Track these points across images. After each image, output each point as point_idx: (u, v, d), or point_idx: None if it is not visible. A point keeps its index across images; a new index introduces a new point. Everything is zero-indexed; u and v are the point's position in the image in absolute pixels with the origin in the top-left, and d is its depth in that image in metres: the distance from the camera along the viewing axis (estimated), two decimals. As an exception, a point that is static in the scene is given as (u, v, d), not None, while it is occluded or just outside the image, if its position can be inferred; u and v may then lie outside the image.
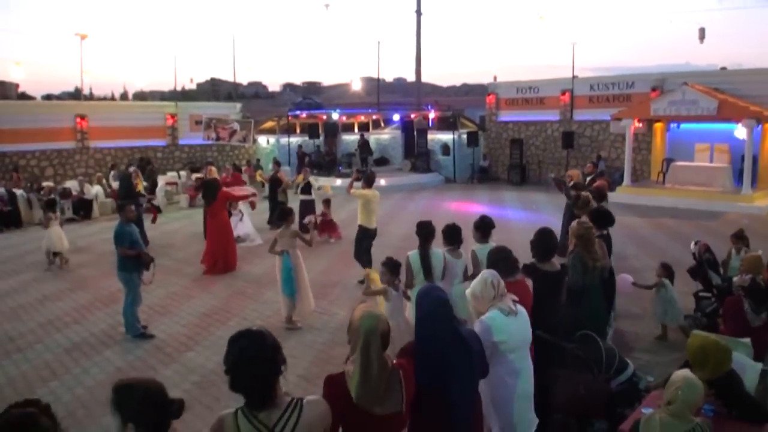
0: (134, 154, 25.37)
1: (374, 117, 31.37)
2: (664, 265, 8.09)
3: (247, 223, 14.91)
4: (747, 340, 5.44)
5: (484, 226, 6.78)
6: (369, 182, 10.92)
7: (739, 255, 7.98)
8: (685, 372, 3.81)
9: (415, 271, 6.42)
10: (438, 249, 6.62)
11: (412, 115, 28.67)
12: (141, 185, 16.27)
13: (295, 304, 8.61)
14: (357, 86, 43.28)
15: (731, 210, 17.59)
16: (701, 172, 19.60)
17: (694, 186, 19.31)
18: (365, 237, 10.72)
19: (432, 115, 27.74)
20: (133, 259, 8.36)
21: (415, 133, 28.07)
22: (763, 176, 19.67)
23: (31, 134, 22.39)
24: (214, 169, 16.81)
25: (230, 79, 51.10)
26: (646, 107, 19.82)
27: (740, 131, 18.41)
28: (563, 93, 25.33)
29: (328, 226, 15.03)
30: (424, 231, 6.60)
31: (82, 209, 19.52)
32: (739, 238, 8.37)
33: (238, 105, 30.14)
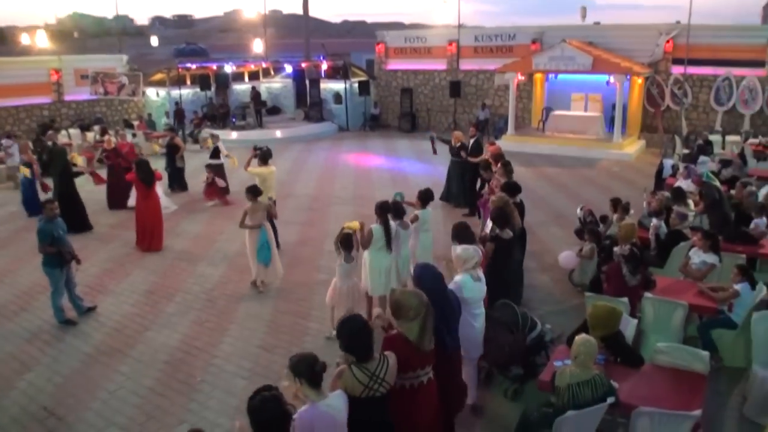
0: (19, 114, 24.50)
1: (264, 66, 31.39)
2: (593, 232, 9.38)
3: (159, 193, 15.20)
4: (625, 299, 6.90)
5: (426, 197, 9.00)
6: (265, 159, 11.75)
7: (618, 219, 9.47)
8: (583, 335, 5.12)
9: (376, 239, 7.94)
10: (392, 222, 8.16)
11: (303, 65, 29.04)
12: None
13: (267, 271, 9.67)
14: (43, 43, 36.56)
15: (604, 157, 19.68)
16: (577, 121, 21.59)
17: (570, 134, 21.28)
18: None
19: (324, 66, 28.22)
20: (56, 255, 8.68)
21: (307, 82, 28.53)
22: (630, 123, 21.92)
23: None
24: (111, 138, 16.75)
25: (94, 13, 48.53)
26: (528, 62, 21.41)
27: (610, 83, 20.36)
28: (450, 43, 26.55)
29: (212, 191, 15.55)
30: (383, 208, 8.13)
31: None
32: (618, 205, 9.82)
33: (125, 57, 29.26)
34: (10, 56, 31.98)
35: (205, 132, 25.10)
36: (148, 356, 7.79)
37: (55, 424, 6.43)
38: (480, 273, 6.07)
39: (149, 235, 12.06)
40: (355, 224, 8.12)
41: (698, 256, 7.82)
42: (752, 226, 9.35)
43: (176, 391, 6.94)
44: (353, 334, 4.39)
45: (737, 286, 6.95)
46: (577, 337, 4.99)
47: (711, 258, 7.73)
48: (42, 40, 32.01)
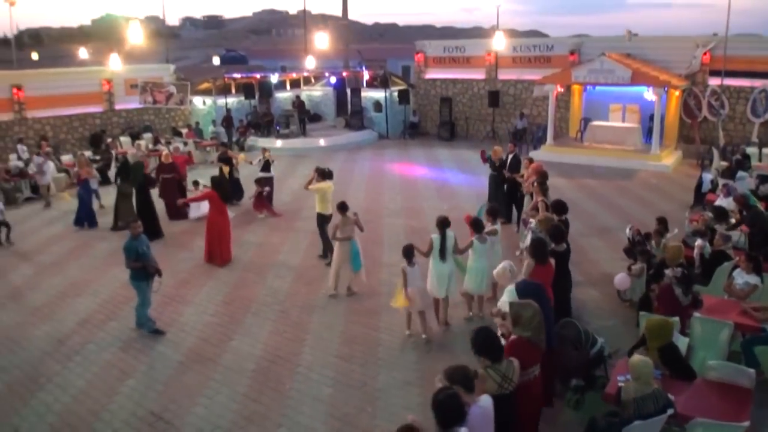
0: (72, 122, 25.57)
1: (305, 75, 32.31)
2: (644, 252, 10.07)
3: (204, 205, 15.96)
4: (676, 318, 7.57)
5: (494, 213, 10.19)
6: (326, 176, 12.59)
7: (661, 238, 10.10)
8: (640, 356, 5.84)
9: (435, 248, 9.10)
10: (450, 232, 9.27)
11: (344, 74, 29.91)
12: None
13: (354, 277, 10.91)
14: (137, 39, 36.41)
15: (642, 168, 20.23)
16: (615, 132, 22.14)
17: (608, 144, 21.84)
18: (324, 221, 12.54)
19: (366, 76, 29.06)
20: (141, 269, 9.53)
21: (348, 91, 29.39)
22: (668, 134, 22.43)
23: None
24: (166, 151, 17.71)
25: (126, 14, 49.64)
26: (568, 74, 22.02)
27: (649, 94, 20.89)
28: (488, 53, 27.21)
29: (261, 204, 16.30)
30: (442, 223, 9.26)
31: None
32: (660, 224, 10.43)
33: (172, 66, 30.35)
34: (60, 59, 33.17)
35: (251, 140, 26.21)
36: (236, 365, 8.62)
37: (165, 427, 7.24)
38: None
39: (219, 249, 12.86)
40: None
41: (742, 277, 8.47)
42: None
43: (269, 397, 7.76)
44: (486, 340, 5.44)
45: (779, 306, 7.58)
46: (634, 358, 5.72)
47: (754, 279, 8.37)
48: (136, 35, 32.60)
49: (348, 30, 35.86)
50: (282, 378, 8.20)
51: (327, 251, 12.47)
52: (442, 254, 9.15)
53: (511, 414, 5.43)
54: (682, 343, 7.09)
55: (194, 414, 7.48)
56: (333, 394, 7.75)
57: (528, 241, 9.33)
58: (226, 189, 13.40)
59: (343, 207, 10.80)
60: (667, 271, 8.16)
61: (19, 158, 21.28)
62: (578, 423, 6.68)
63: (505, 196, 14.68)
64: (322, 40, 36.11)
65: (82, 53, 52.43)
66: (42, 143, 21.42)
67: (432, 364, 8.38)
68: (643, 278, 9.44)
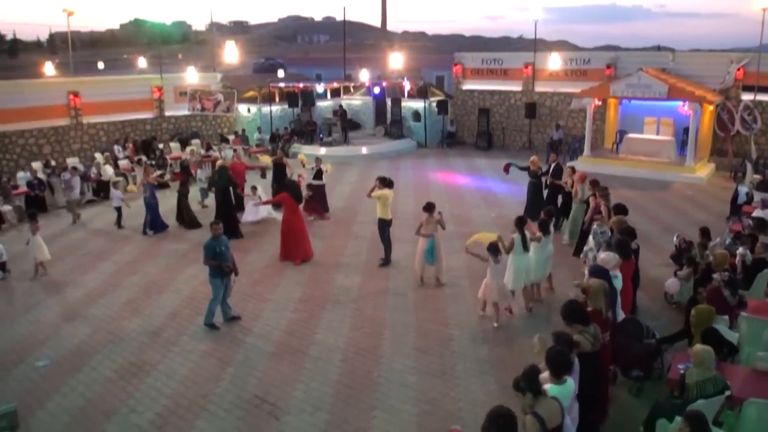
0: (125, 128, 26.78)
1: (346, 83, 33.45)
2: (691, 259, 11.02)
3: (262, 207, 17.09)
4: (725, 316, 8.51)
5: (545, 226, 11.34)
6: (387, 185, 13.60)
7: (705, 250, 11.03)
8: (701, 345, 6.77)
9: (516, 246, 10.56)
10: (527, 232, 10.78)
11: (384, 83, 30.99)
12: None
13: (431, 269, 12.36)
14: (232, 56, 37.96)
15: (677, 180, 21.06)
16: (650, 144, 22.99)
17: (643, 156, 22.67)
18: (385, 226, 13.57)
19: (407, 87, 30.12)
20: (217, 268, 10.52)
21: (388, 101, 30.46)
22: (701, 147, 23.24)
23: (27, 113, 23.46)
24: (221, 161, 18.78)
25: (153, 18, 51.40)
26: (606, 88, 22.92)
27: (683, 108, 21.73)
28: (526, 66, 28.17)
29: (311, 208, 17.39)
30: (520, 223, 10.81)
31: (101, 190, 21.05)
32: (704, 235, 11.38)
33: (219, 75, 31.58)
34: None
35: (295, 147, 27.30)
36: (324, 355, 9.63)
37: (270, 408, 8.23)
38: (618, 272, 8.39)
39: (297, 247, 13.97)
40: (494, 236, 10.64)
41: (782, 282, 9.38)
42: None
43: (359, 384, 8.76)
44: (576, 310, 6.70)
45: (817, 309, 8.50)
46: (697, 347, 6.67)
47: (793, 283, 9.27)
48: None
49: (387, 42, 36.86)
50: (368, 367, 9.20)
51: (389, 256, 13.53)
52: (526, 248, 10.67)
53: (598, 367, 6.81)
54: (732, 337, 8.05)
55: (295, 397, 8.46)
56: (417, 381, 8.76)
57: (592, 243, 11.01)
58: (297, 190, 14.44)
59: (429, 207, 12.13)
60: (715, 275, 9.09)
61: (115, 158, 23.51)
62: (640, 407, 7.64)
63: (545, 202, 15.79)
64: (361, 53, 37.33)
65: (141, 62, 54.24)
66: (128, 145, 23.92)
67: (500, 356, 9.41)
68: (689, 282, 10.35)
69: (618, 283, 8.23)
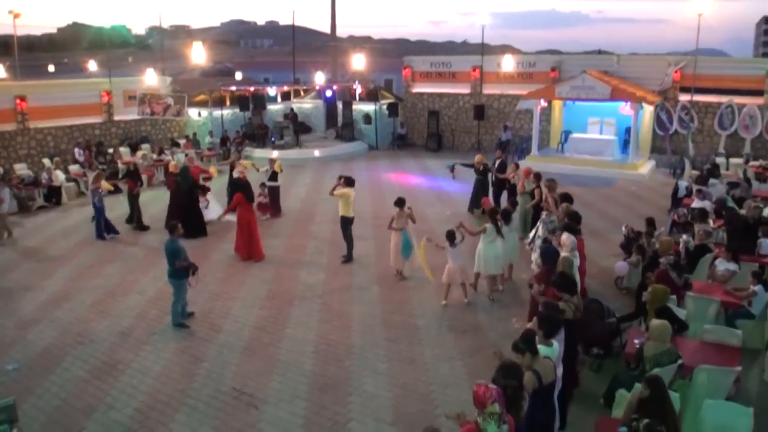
0: (73, 133, 26.32)
1: (296, 87, 33.68)
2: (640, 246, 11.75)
3: (213, 207, 17.22)
4: (673, 296, 9.18)
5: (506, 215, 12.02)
6: (350, 183, 13.98)
7: (651, 238, 11.77)
8: (659, 320, 7.35)
9: (489, 233, 11.43)
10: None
11: (334, 87, 31.35)
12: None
13: (406, 263, 12.77)
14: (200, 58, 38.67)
15: (621, 177, 22.05)
16: (594, 143, 23.98)
17: (588, 155, 23.61)
18: (347, 223, 13.94)
19: (359, 89, 30.55)
20: (185, 268, 10.71)
21: (339, 104, 30.82)
22: (642, 146, 24.42)
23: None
24: (174, 162, 18.86)
25: (93, 23, 50.71)
26: (551, 90, 23.81)
27: (625, 109, 22.78)
28: (474, 69, 28.94)
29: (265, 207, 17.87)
30: (492, 213, 11.79)
31: (53, 196, 20.69)
32: (650, 224, 12.14)
33: (168, 78, 31.39)
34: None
35: (247, 150, 27.39)
36: (296, 348, 9.91)
37: (249, 399, 8.47)
38: (576, 253, 9.30)
39: (250, 246, 14.29)
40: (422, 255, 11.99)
41: (723, 265, 10.16)
42: (759, 244, 11.63)
43: (334, 372, 9.09)
44: (565, 280, 7.58)
45: (755, 287, 9.25)
46: (654, 322, 7.26)
47: (733, 266, 10.07)
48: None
49: (335, 47, 37.26)
50: (340, 357, 9.55)
51: (351, 252, 13.91)
52: (500, 234, 11.47)
53: (576, 334, 7.54)
54: (681, 314, 8.72)
55: (272, 388, 8.72)
56: (389, 368, 9.16)
57: (541, 230, 11.84)
58: (249, 190, 14.78)
59: (399, 202, 12.66)
60: (662, 259, 9.78)
61: (76, 161, 23.35)
62: (600, 382, 8.23)
63: (493, 196, 17.00)
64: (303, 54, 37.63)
65: (92, 65, 53.07)
66: (86, 151, 23.46)
67: (466, 343, 9.90)
68: (638, 269, 11.04)
69: (576, 263, 8.93)
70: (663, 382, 6.01)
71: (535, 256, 11.76)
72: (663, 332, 7.03)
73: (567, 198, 12.34)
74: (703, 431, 6.23)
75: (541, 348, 6.11)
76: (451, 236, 11.15)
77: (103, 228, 16.37)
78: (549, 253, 8.91)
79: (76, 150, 24.42)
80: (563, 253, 9.03)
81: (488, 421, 4.83)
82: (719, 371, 6.98)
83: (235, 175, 16.65)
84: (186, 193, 16.20)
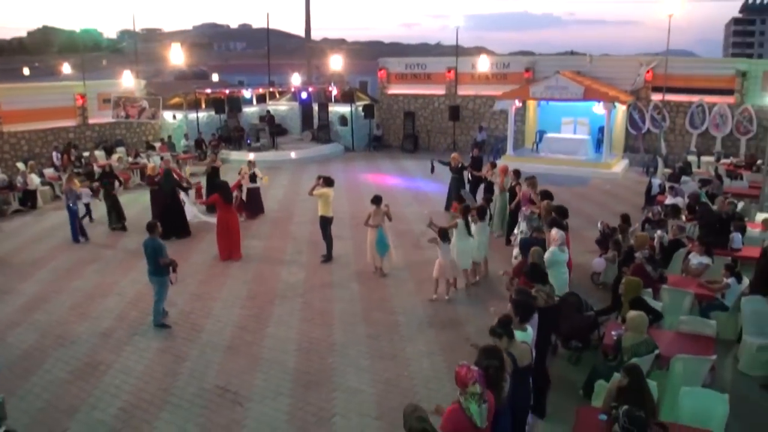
0: (47, 136, 26.10)
1: (271, 89, 33.65)
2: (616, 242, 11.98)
3: (189, 208, 16.96)
4: (649, 290, 9.39)
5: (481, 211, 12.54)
6: (329, 183, 14.06)
7: (625, 234, 12.01)
8: (635, 312, 7.53)
9: (460, 230, 11.79)
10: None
11: (310, 89, 31.40)
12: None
13: (383, 260, 12.97)
14: (178, 59, 38.81)
15: (595, 176, 22.39)
16: (567, 143, 24.32)
17: (561, 154, 23.93)
18: (327, 223, 14.03)
19: (335, 91, 30.62)
20: (168, 266, 10.73)
21: (315, 106, 30.86)
22: (615, 144, 24.81)
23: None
24: (152, 164, 18.85)
25: (64, 26, 50.34)
26: (526, 90, 24.10)
27: (598, 108, 23.13)
28: (449, 70, 29.17)
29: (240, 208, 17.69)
30: (465, 211, 12.08)
31: (28, 200, 20.52)
32: (625, 221, 12.38)
33: (143, 82, 31.19)
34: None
35: (223, 153, 27.31)
36: (279, 346, 9.97)
37: (233, 396, 8.53)
38: (565, 248, 9.84)
39: (231, 246, 14.36)
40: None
41: (696, 258, 10.40)
42: (731, 239, 11.92)
43: (316, 369, 9.17)
44: (536, 271, 7.93)
45: (728, 280, 9.50)
46: (631, 313, 7.44)
47: (706, 259, 10.32)
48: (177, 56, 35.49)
49: (310, 50, 37.32)
50: (323, 355, 9.63)
51: (330, 252, 13.99)
52: (469, 232, 11.90)
53: (548, 321, 7.60)
54: (657, 306, 8.92)
55: (255, 386, 8.77)
56: (371, 364, 9.25)
57: (524, 227, 12.24)
58: (227, 190, 14.76)
59: (376, 200, 12.79)
60: (637, 254, 10.00)
61: (53, 165, 23.39)
62: (579, 374, 8.40)
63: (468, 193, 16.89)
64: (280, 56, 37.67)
65: (66, 68, 52.60)
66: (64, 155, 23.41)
67: (446, 338, 10.05)
68: (615, 264, 11.26)
69: (565, 257, 9.41)
70: (641, 370, 6.18)
71: (516, 251, 11.98)
72: (640, 323, 7.21)
73: (547, 195, 12.61)
74: (680, 417, 6.39)
75: (517, 333, 6.38)
76: (444, 235, 11.45)
77: (78, 231, 16.28)
78: (527, 244, 9.14)
79: (54, 154, 24.25)
80: (552, 247, 9.44)
81: (470, 400, 5.11)
82: (695, 360, 7.18)
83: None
84: (169, 194, 16.21)
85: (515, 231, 13.03)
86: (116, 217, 17.40)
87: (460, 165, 17.53)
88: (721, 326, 9.21)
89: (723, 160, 21.13)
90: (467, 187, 17.38)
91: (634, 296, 8.34)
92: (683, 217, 12.78)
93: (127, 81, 28.79)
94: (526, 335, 6.60)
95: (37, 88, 28.47)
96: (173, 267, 10.76)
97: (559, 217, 10.80)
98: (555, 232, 9.72)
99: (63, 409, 8.37)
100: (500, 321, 6.19)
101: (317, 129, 30.54)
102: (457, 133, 29.15)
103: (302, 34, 36.97)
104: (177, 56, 36.23)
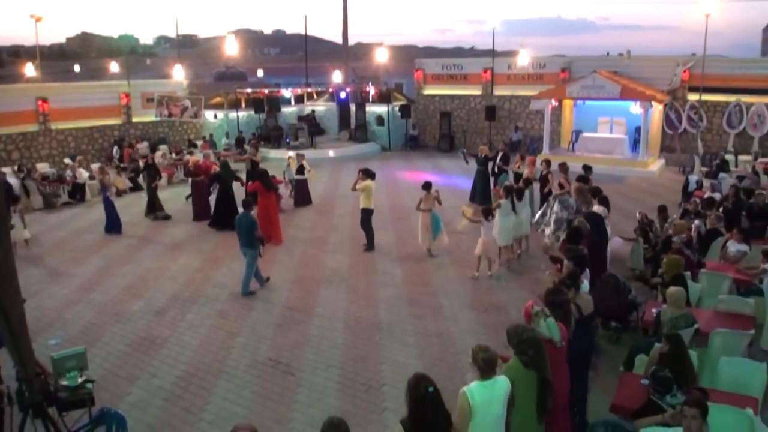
0: (93, 134, 27.05)
1: (309, 90, 34.27)
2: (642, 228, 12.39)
3: None
4: (688, 272, 9.64)
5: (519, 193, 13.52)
6: (370, 175, 14.57)
7: (665, 222, 12.26)
8: (674, 287, 7.81)
9: (504, 208, 12.76)
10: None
11: (347, 89, 31.93)
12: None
13: (435, 242, 13.76)
14: (232, 50, 41.40)
15: (631, 174, 22.51)
16: (604, 142, 24.44)
17: (599, 154, 24.05)
18: (368, 215, 14.47)
19: (372, 92, 31.12)
20: (259, 238, 11.82)
21: (352, 106, 31.38)
22: (651, 144, 24.86)
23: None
24: (195, 159, 19.54)
25: (102, 32, 51.78)
26: (562, 90, 24.33)
27: (635, 108, 23.26)
28: (485, 71, 29.49)
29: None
30: (508, 191, 13.12)
31: (77, 193, 21.35)
32: (662, 211, 12.64)
33: (185, 82, 32.01)
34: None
35: (263, 151, 27.93)
36: (327, 324, 10.42)
37: (285, 368, 8.98)
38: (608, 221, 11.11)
39: (271, 230, 14.92)
40: (469, 209, 13.91)
41: (734, 246, 10.64)
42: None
43: (364, 345, 9.59)
44: (575, 234, 8.99)
45: (765, 266, 9.72)
46: (671, 289, 7.74)
47: (744, 247, 10.57)
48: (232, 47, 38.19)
49: (348, 51, 37.91)
50: (370, 333, 10.04)
51: (372, 242, 14.41)
52: (514, 210, 12.89)
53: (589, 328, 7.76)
54: (695, 288, 9.20)
55: (306, 359, 9.22)
56: (417, 341, 9.65)
57: (557, 207, 13.15)
58: (267, 178, 15.47)
59: (426, 186, 13.60)
60: (675, 238, 10.28)
61: (112, 158, 25.28)
62: (619, 353, 8.69)
63: (489, 189, 17.98)
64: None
65: (114, 67, 54.19)
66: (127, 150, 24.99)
67: (489, 319, 10.41)
68: (640, 248, 11.56)
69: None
70: (682, 338, 6.49)
71: (549, 230, 13.00)
72: (679, 298, 7.50)
73: (583, 178, 13.27)
74: (719, 386, 6.66)
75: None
76: (487, 212, 12.28)
77: (114, 222, 16.88)
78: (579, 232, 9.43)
79: (114, 148, 25.78)
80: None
81: (536, 321, 5.74)
82: (734, 334, 7.44)
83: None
84: (228, 186, 16.93)
85: (541, 214, 13.99)
86: (153, 207, 18.15)
87: (484, 156, 18.12)
88: (758, 310, 9.43)
89: (761, 160, 21.13)
90: (491, 180, 17.99)
91: (676, 272, 8.59)
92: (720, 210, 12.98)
93: (178, 75, 29.64)
94: (584, 286, 7.29)
95: (84, 87, 29.53)
96: (262, 242, 11.91)
97: (593, 195, 11.50)
98: (598, 207, 10.03)
99: (123, 376, 8.89)
100: (570, 274, 6.92)
101: (354, 129, 31.04)
102: (493, 132, 29.42)
103: (335, 39, 37.84)
104: (231, 47, 37.41)
